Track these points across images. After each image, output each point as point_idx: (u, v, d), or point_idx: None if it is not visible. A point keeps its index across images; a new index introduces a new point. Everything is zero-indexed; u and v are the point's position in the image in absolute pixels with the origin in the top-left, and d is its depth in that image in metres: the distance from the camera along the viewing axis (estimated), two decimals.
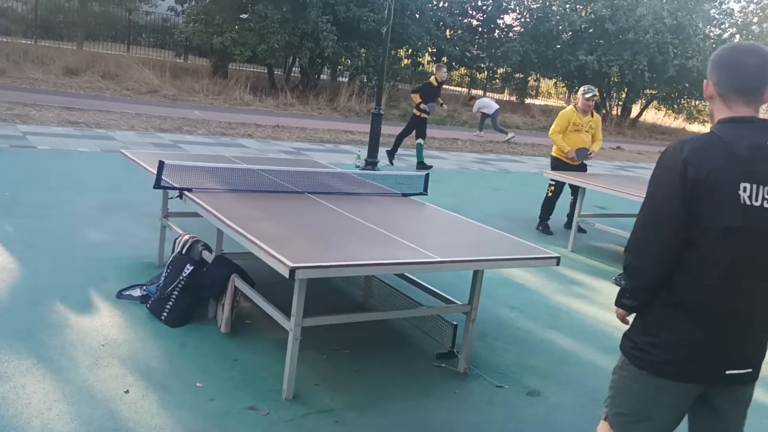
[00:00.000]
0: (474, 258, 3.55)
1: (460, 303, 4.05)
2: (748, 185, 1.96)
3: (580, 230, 7.72)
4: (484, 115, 18.19)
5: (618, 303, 2.27)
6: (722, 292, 2.02)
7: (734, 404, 2.18)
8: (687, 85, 25.96)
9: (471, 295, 3.91)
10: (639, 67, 23.35)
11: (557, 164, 7.92)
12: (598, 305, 5.55)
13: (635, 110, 29.61)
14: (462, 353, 3.95)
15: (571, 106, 7.89)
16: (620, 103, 28.52)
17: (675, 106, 29.61)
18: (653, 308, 2.13)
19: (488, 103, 18.36)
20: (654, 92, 27.71)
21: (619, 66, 23.56)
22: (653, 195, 2.07)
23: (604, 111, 26.77)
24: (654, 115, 33.42)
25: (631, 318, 2.29)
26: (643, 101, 29.21)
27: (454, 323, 4.09)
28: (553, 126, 7.83)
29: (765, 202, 1.97)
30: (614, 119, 27.06)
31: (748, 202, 1.96)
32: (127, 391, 3.24)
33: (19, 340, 3.59)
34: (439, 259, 3.37)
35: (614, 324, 5.14)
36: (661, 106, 30.68)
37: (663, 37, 23.11)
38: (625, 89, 27.03)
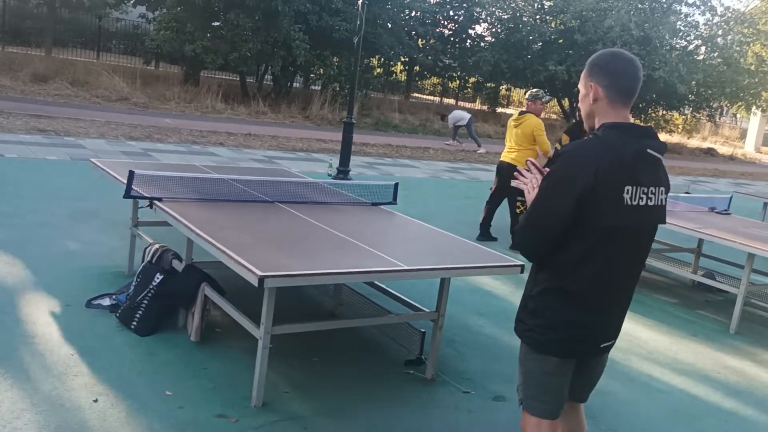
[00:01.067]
0: (440, 266, 3.63)
1: (427, 311, 4.13)
2: (630, 188, 2.22)
3: None
4: (457, 127, 18.48)
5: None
6: (600, 282, 2.30)
7: (599, 364, 2.59)
8: (654, 95, 26.48)
9: (438, 303, 3.99)
10: None
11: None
12: None
13: None
14: (430, 360, 4.03)
15: (533, 116, 7.60)
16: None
17: (642, 116, 30.18)
18: (541, 293, 2.37)
19: (461, 115, 18.60)
20: None
21: None
22: (549, 191, 2.27)
23: (574, 120, 27.17)
24: None
25: None
26: None
27: (422, 330, 4.16)
28: (544, 140, 7.49)
29: (640, 200, 2.24)
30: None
31: (629, 203, 2.22)
32: (96, 400, 3.26)
33: None
34: (406, 268, 3.45)
35: None
36: (634, 118, 31.24)
37: (630, 48, 23.45)
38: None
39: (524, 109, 7.76)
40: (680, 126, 34.75)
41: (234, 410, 3.35)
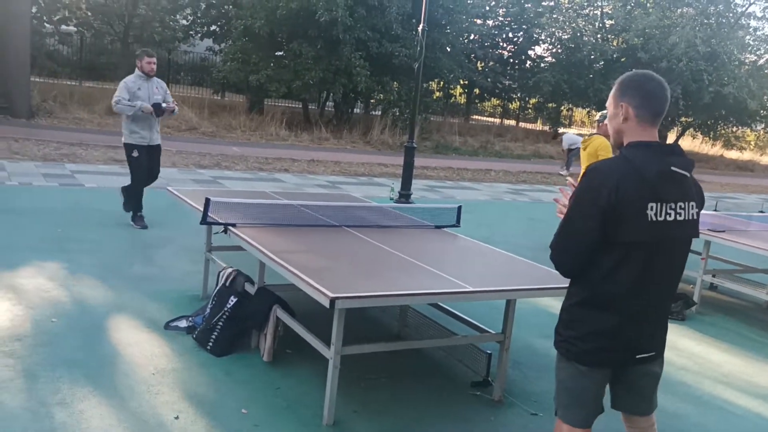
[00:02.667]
0: (506, 288, 3.68)
1: (493, 332, 4.17)
2: (654, 204, 2.30)
3: None
4: (571, 151, 16.79)
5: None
6: (630, 295, 2.36)
7: (646, 375, 2.58)
8: (723, 111, 25.78)
9: (504, 324, 4.03)
10: (673, 95, 23.20)
11: None
12: None
13: (670, 138, 29.43)
14: (497, 381, 4.06)
15: (602, 137, 7.77)
16: None
17: (712, 134, 29.37)
18: (574, 305, 2.47)
19: (575, 139, 16.84)
20: (689, 120, 27.55)
21: None
22: (575, 210, 2.38)
23: None
24: (690, 143, 33.16)
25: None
26: (679, 129, 29.04)
27: (489, 352, 4.21)
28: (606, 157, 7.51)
29: (667, 216, 2.32)
30: None
31: (653, 219, 2.30)
32: (177, 417, 3.42)
33: (77, 368, 3.81)
34: (471, 289, 3.51)
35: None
36: (698, 134, 30.45)
37: (697, 65, 23.06)
38: None
39: (594, 131, 7.71)
40: (752, 143, 33.64)
41: (306, 429, 3.46)
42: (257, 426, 3.43)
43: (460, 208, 5.28)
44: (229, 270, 4.66)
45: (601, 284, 2.37)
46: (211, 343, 4.26)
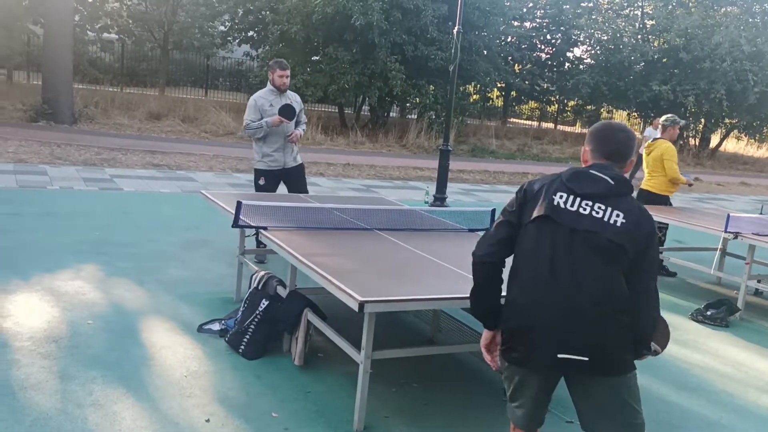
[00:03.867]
0: None
1: None
2: (564, 194, 2.48)
3: (668, 273, 7.50)
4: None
5: (470, 309, 2.76)
6: (529, 285, 2.46)
7: (604, 391, 2.49)
8: None
9: None
10: (716, 96, 22.75)
11: (656, 199, 7.48)
12: (673, 341, 5.43)
13: (714, 140, 28.77)
14: None
15: (668, 142, 7.40)
16: (697, 133, 27.77)
17: (758, 135, 28.61)
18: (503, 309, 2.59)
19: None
20: (734, 121, 26.89)
21: (695, 95, 23.02)
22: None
23: (681, 142, 26.14)
24: (735, 145, 32.37)
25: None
26: (723, 131, 28.37)
27: None
28: (672, 165, 7.28)
29: (581, 209, 2.44)
30: (692, 150, 26.38)
31: (561, 205, 2.46)
32: (208, 420, 3.43)
33: (110, 370, 3.85)
34: (504, 294, 3.43)
35: (689, 360, 5.05)
36: (743, 135, 29.72)
37: (741, 65, 22.50)
38: (703, 119, 26.34)
39: (658, 135, 7.54)
40: None
41: None
42: (287, 430, 3.41)
43: (494, 211, 5.20)
44: (261, 273, 4.66)
45: (515, 278, 2.52)
46: (243, 347, 4.26)
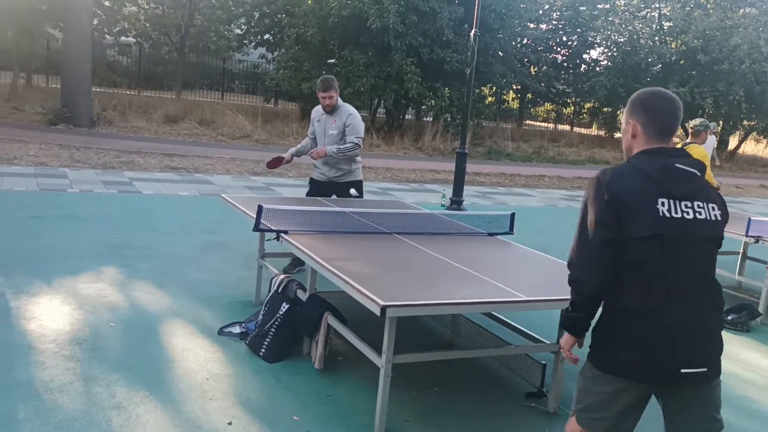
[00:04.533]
0: (561, 297, 3.58)
1: (548, 342, 4.07)
2: (665, 200, 2.27)
3: None
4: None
5: (565, 324, 2.53)
6: (653, 299, 2.27)
7: (701, 401, 2.37)
8: None
9: (559, 334, 3.93)
10: (735, 98, 22.55)
11: None
12: None
13: (733, 142, 28.50)
14: (552, 393, 3.96)
15: (699, 147, 7.22)
16: (716, 135, 27.51)
17: None
18: (604, 314, 2.40)
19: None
20: (753, 123, 26.62)
21: (713, 97, 22.83)
22: (583, 217, 2.39)
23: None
24: (754, 147, 32.06)
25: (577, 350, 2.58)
26: (741, 133, 28.10)
27: (543, 362, 4.11)
28: (708, 171, 7.24)
29: (685, 214, 2.27)
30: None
31: (667, 215, 2.25)
32: (230, 423, 3.45)
33: (133, 373, 3.88)
34: (525, 298, 3.44)
35: None
36: (762, 138, 29.42)
37: (760, 66, 22.28)
38: (721, 121, 26.11)
39: (688, 140, 7.43)
40: None
41: None
42: None
43: (513, 215, 5.20)
44: (282, 276, 4.68)
45: (621, 287, 2.31)
46: (263, 350, 4.28)
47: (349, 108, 6.23)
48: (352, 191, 6.31)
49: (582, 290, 2.39)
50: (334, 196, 6.27)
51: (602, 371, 2.39)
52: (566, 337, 2.56)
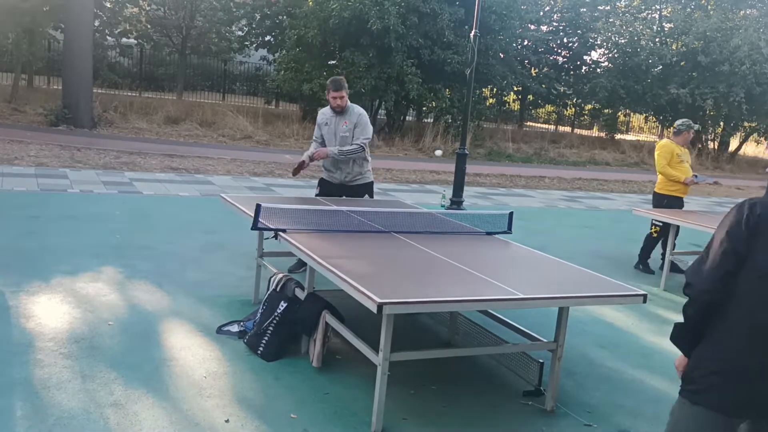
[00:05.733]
0: (558, 295, 3.59)
1: (545, 340, 4.08)
2: None
3: (679, 270, 7.50)
4: None
5: (673, 336, 2.39)
6: (758, 330, 2.16)
7: None
8: None
9: (557, 333, 3.94)
10: (735, 100, 22.54)
11: (662, 200, 7.75)
12: None
13: (734, 143, 28.49)
14: (549, 391, 3.96)
15: (666, 140, 7.83)
16: (716, 136, 27.51)
17: None
18: (702, 345, 2.29)
19: None
20: (753, 125, 26.61)
21: (714, 99, 22.83)
22: (720, 232, 2.27)
23: (699, 145, 25.93)
24: (755, 148, 32.03)
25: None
26: (742, 134, 28.08)
27: (541, 361, 4.11)
28: (658, 160, 7.65)
29: None
30: (711, 153, 26.13)
31: None
32: (227, 420, 3.45)
33: (131, 371, 3.89)
34: (522, 296, 3.44)
35: None
36: (762, 139, 29.39)
37: (761, 68, 22.27)
38: (722, 122, 26.11)
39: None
40: None
41: None
42: (306, 431, 3.43)
43: (511, 214, 5.20)
44: (280, 275, 4.69)
45: (740, 317, 2.20)
46: (261, 348, 4.29)
47: (359, 108, 6.15)
48: (366, 197, 6.31)
49: (691, 296, 2.28)
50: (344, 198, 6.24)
51: (691, 402, 2.29)
52: (680, 357, 2.43)
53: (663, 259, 7.71)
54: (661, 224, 7.57)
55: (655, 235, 7.70)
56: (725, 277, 2.20)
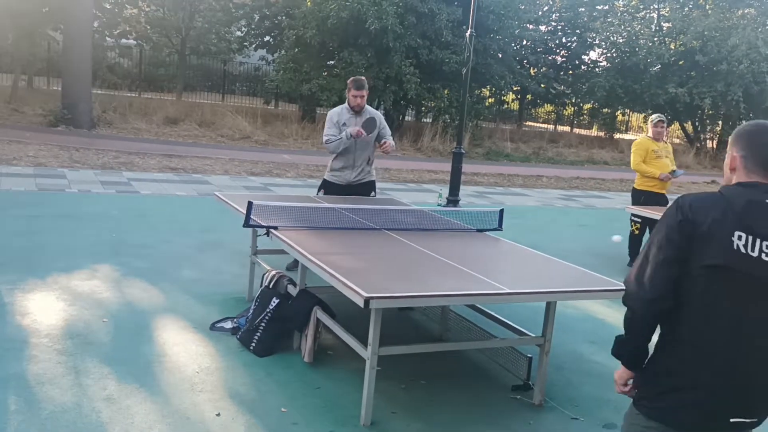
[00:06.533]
0: (544, 290, 3.64)
1: (533, 335, 4.13)
2: (742, 234, 2.06)
3: None
4: None
5: (615, 350, 2.31)
6: (713, 332, 2.10)
7: None
8: None
9: (544, 327, 3.99)
10: (734, 99, 22.57)
11: (640, 197, 7.90)
12: None
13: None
14: (537, 385, 4.02)
15: (643, 135, 8.10)
16: (714, 135, 27.56)
17: None
18: (655, 357, 2.23)
19: None
20: None
21: (712, 98, 22.86)
22: (653, 236, 2.20)
23: (698, 145, 25.95)
24: None
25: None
26: None
27: (529, 356, 4.17)
28: (632, 157, 7.89)
29: (763, 255, 2.05)
30: (709, 153, 26.17)
31: (742, 250, 2.06)
32: (218, 414, 3.51)
33: (124, 366, 3.95)
34: (508, 291, 3.49)
35: None
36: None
37: (759, 67, 22.29)
38: (720, 122, 26.14)
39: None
40: None
41: (344, 428, 3.49)
42: (296, 424, 3.49)
43: (502, 211, 5.25)
44: (273, 272, 4.75)
45: (685, 327, 2.14)
46: (254, 344, 4.34)
47: (372, 109, 6.26)
48: (372, 194, 6.41)
49: (634, 307, 2.20)
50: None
51: (647, 417, 2.22)
52: (620, 370, 2.34)
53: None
54: (639, 220, 7.68)
55: (636, 232, 7.80)
56: (669, 282, 2.12)
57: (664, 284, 2.12)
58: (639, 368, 2.27)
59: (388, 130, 6.25)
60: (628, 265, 7.87)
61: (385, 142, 6.13)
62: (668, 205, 2.21)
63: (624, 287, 2.24)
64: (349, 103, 6.09)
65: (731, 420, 2.14)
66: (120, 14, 24.60)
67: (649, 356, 2.25)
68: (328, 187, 6.34)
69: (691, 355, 2.13)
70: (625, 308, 2.22)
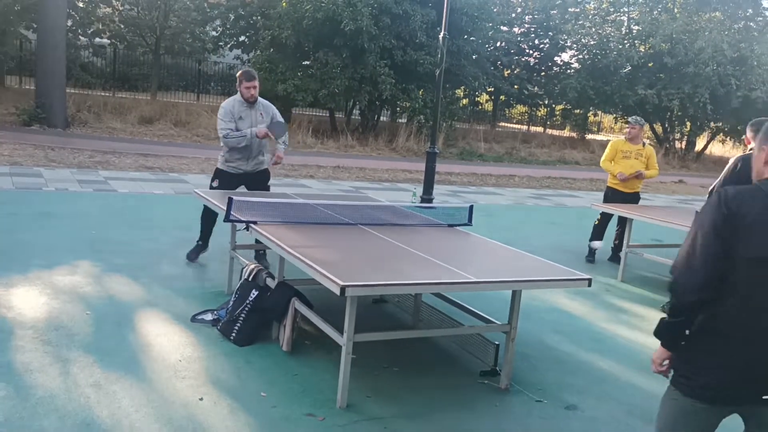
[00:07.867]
0: (508, 279, 3.88)
1: (499, 323, 4.36)
2: None
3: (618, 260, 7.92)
4: None
5: (658, 331, 2.46)
6: (754, 318, 2.25)
7: None
8: (752, 116, 25.48)
9: (510, 315, 4.23)
10: (701, 100, 23.18)
11: (609, 193, 8.28)
12: (643, 331, 5.73)
13: (700, 143, 29.21)
14: (503, 370, 4.25)
15: (618, 138, 8.63)
16: (681, 136, 28.17)
17: (742, 138, 29.06)
18: (695, 339, 2.36)
19: None
20: (718, 125, 27.33)
21: (680, 99, 23.44)
22: (699, 227, 2.33)
23: (667, 145, 26.55)
24: (721, 148, 32.83)
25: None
26: (708, 134, 28.81)
27: (497, 343, 4.40)
28: (605, 154, 8.30)
29: None
30: (678, 153, 26.77)
31: None
32: (201, 399, 3.68)
33: (109, 356, 4.10)
34: (475, 280, 3.72)
35: (657, 346, 5.33)
36: (727, 139, 30.18)
37: (724, 69, 22.93)
38: (688, 123, 26.76)
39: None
40: None
41: (321, 410, 3.69)
42: (275, 407, 3.68)
43: (471, 207, 5.49)
44: (252, 266, 4.93)
45: (726, 309, 2.27)
46: (234, 334, 4.52)
47: (265, 101, 6.46)
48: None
49: (682, 294, 2.33)
50: (242, 188, 6.36)
51: (683, 394, 2.38)
52: (659, 351, 2.49)
53: (613, 251, 8.22)
54: (600, 214, 8.19)
55: (597, 222, 8.25)
56: (716, 272, 2.25)
57: (712, 275, 2.25)
58: (677, 349, 2.42)
59: (279, 116, 6.43)
60: (608, 260, 8.25)
61: (277, 155, 6.32)
62: (712, 195, 2.35)
63: (671, 275, 2.38)
64: (242, 96, 6.16)
65: (764, 397, 2.31)
66: (94, 13, 24.51)
67: (689, 338, 2.38)
68: (223, 177, 6.31)
69: (730, 340, 2.28)
70: (670, 293, 2.38)
